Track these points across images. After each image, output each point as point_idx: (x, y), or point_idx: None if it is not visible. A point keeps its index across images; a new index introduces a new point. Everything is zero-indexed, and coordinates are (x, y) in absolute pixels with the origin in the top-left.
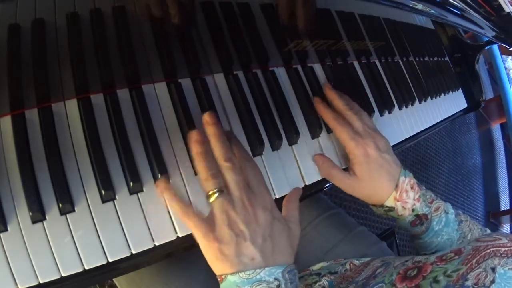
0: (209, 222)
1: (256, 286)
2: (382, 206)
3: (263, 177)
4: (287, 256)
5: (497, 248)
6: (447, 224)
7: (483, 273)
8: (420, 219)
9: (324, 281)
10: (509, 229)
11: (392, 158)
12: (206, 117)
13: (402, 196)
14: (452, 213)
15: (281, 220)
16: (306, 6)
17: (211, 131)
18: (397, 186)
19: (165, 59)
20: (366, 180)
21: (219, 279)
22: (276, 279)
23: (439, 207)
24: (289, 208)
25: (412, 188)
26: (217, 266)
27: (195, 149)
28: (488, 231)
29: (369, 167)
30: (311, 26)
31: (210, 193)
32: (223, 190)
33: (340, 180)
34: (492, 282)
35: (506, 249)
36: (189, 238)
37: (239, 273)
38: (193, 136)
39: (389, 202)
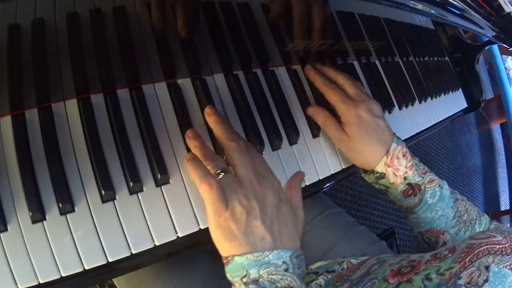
0: (225, 201)
1: (264, 269)
2: (372, 172)
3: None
4: (293, 240)
5: (491, 246)
6: (442, 199)
7: (476, 271)
8: (413, 188)
9: (321, 280)
10: None
11: (385, 124)
12: (207, 109)
13: (393, 162)
14: (447, 189)
15: (287, 204)
16: (323, 9)
17: (212, 119)
18: (388, 151)
19: (165, 59)
20: (357, 140)
21: (224, 261)
22: (284, 262)
23: (433, 180)
24: (292, 194)
25: (404, 156)
26: (224, 246)
27: (191, 144)
28: (486, 216)
29: (360, 128)
30: (324, 27)
31: (214, 175)
32: (227, 171)
33: (333, 131)
34: (486, 281)
35: (501, 246)
36: (189, 238)
37: (247, 255)
38: (188, 134)
39: (380, 168)
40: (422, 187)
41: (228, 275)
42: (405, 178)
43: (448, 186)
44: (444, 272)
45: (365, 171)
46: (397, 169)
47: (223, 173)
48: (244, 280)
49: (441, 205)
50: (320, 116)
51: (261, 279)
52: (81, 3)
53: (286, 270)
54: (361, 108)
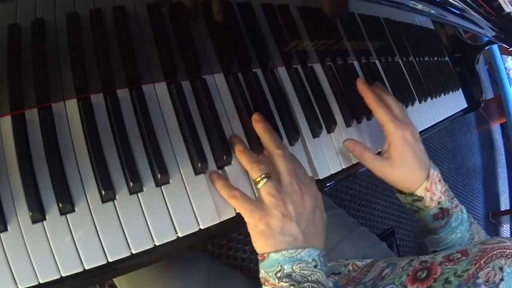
0: (255, 203)
1: (296, 265)
2: (411, 194)
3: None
4: (322, 241)
5: (502, 250)
6: (462, 222)
7: (492, 272)
8: (443, 212)
9: (329, 282)
10: (509, 229)
11: (424, 149)
12: (255, 117)
13: (432, 187)
14: (465, 213)
15: (321, 209)
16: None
17: (260, 126)
18: (428, 176)
19: (165, 59)
20: (400, 164)
21: (260, 258)
22: (313, 259)
23: (457, 204)
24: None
25: (439, 181)
26: (260, 243)
27: (237, 148)
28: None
29: (405, 151)
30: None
31: (258, 179)
32: (270, 175)
33: (373, 163)
34: (502, 280)
35: (511, 250)
36: (189, 238)
37: (282, 251)
38: (232, 139)
39: (420, 191)
40: (450, 212)
41: (262, 272)
42: (438, 203)
43: (465, 210)
44: (462, 274)
45: (401, 192)
46: (434, 193)
47: (266, 178)
48: (278, 275)
49: (461, 228)
50: (356, 149)
51: (293, 274)
52: (81, 3)
53: (315, 266)
54: (407, 130)
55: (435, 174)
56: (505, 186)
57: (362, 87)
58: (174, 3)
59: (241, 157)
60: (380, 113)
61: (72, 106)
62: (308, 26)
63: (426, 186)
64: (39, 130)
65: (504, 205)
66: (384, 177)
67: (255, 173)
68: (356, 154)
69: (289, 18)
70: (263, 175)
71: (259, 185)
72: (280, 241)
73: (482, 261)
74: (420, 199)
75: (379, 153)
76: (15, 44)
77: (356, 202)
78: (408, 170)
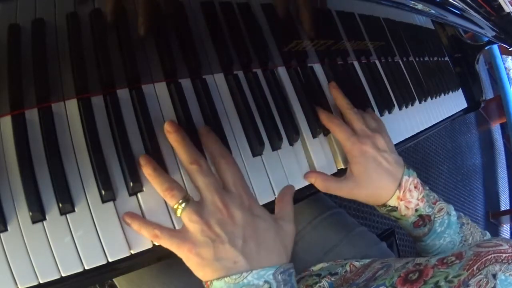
0: (180, 235)
1: None
2: (384, 205)
3: (242, 174)
4: (277, 256)
5: (498, 254)
6: (450, 226)
7: (484, 279)
8: (423, 220)
9: (325, 283)
10: (509, 229)
11: (393, 157)
12: (166, 126)
13: (405, 195)
14: (454, 215)
15: (264, 218)
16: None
17: (173, 138)
18: (400, 185)
19: (165, 59)
20: (364, 179)
21: (205, 286)
22: (266, 281)
23: (442, 208)
24: (281, 206)
25: (416, 187)
26: (200, 273)
27: (145, 171)
28: (488, 234)
29: (366, 166)
30: (315, 26)
31: (176, 206)
32: (188, 199)
33: (338, 190)
34: None
35: (507, 255)
36: None
37: (225, 278)
38: (140, 161)
39: (392, 202)
40: (432, 218)
41: None
42: (416, 210)
43: (454, 212)
44: (453, 280)
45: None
46: (409, 202)
47: (184, 203)
48: None
49: (449, 232)
50: (318, 182)
51: None
52: (81, 3)
53: None
54: (366, 144)
55: (410, 180)
56: (505, 186)
57: (318, 111)
58: (174, 3)
59: (152, 182)
60: (335, 132)
61: (72, 106)
62: (308, 26)
63: (399, 196)
64: (39, 130)
65: (504, 205)
66: (353, 197)
67: (169, 201)
68: (319, 187)
69: (289, 18)
70: (180, 201)
71: (178, 213)
72: (218, 268)
73: (475, 267)
74: (395, 209)
75: None
76: (15, 44)
77: (356, 202)
78: (373, 184)
